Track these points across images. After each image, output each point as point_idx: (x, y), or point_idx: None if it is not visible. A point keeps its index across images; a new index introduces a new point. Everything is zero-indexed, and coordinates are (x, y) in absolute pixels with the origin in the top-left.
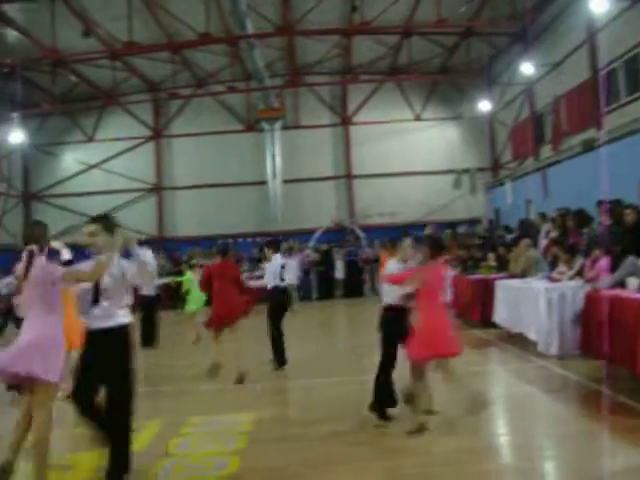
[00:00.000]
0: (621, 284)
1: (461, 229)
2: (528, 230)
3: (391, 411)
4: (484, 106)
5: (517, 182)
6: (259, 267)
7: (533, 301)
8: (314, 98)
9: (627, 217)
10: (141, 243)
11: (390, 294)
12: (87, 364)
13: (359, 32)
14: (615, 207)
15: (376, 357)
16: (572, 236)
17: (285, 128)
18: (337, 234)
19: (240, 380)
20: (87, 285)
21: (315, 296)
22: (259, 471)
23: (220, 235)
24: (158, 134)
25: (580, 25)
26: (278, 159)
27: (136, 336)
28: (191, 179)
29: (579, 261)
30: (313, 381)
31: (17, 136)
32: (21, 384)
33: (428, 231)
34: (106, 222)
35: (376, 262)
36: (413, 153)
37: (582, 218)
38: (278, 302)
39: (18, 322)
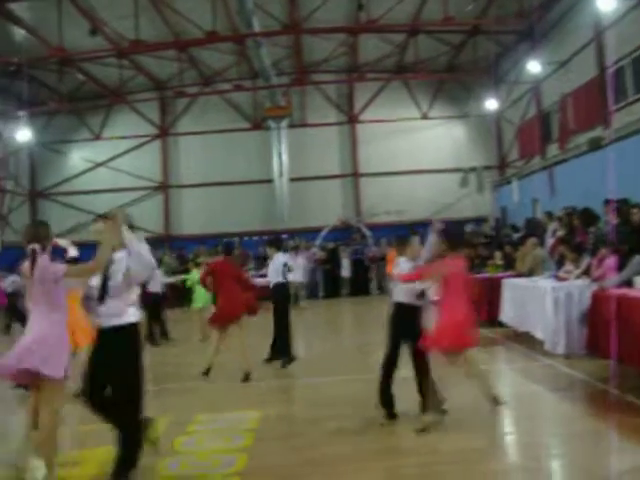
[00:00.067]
0: (628, 283)
1: (468, 227)
2: (535, 229)
3: (397, 409)
4: (491, 104)
5: (524, 181)
6: (265, 265)
7: (540, 300)
8: (321, 96)
9: (634, 216)
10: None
11: (400, 292)
12: (96, 362)
13: (366, 30)
14: (622, 206)
15: (382, 355)
16: (579, 235)
17: (292, 126)
18: (343, 232)
19: (246, 378)
20: (94, 283)
21: (321, 294)
22: (265, 469)
23: (226, 233)
24: (165, 132)
25: (587, 23)
26: (284, 157)
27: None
28: (197, 177)
29: (586, 260)
30: (319, 379)
31: (24, 134)
32: (28, 383)
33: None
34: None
35: (382, 260)
36: (420, 151)
37: (589, 217)
38: (282, 300)
39: (22, 320)
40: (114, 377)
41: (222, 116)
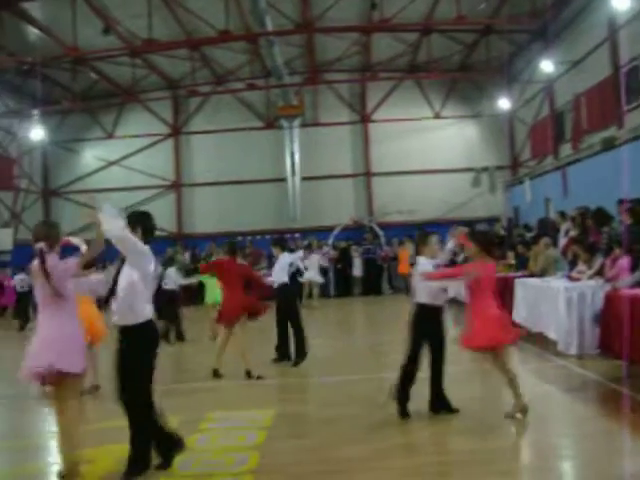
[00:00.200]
0: None
1: (480, 227)
2: (547, 229)
3: (410, 408)
4: (504, 104)
5: (536, 180)
6: None
7: (553, 300)
8: (333, 96)
9: None
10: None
11: (423, 293)
12: (114, 361)
13: (378, 29)
14: (635, 206)
15: (395, 355)
16: (592, 235)
17: (304, 125)
18: (355, 232)
19: (248, 376)
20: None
21: (333, 293)
22: (278, 467)
23: (239, 232)
24: (177, 131)
25: (601, 22)
26: (297, 156)
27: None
28: (210, 176)
29: (599, 260)
30: (332, 378)
31: (38, 133)
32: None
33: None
34: (131, 220)
35: (394, 260)
36: (432, 151)
37: (602, 217)
38: (285, 300)
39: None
40: (120, 376)
41: (234, 115)
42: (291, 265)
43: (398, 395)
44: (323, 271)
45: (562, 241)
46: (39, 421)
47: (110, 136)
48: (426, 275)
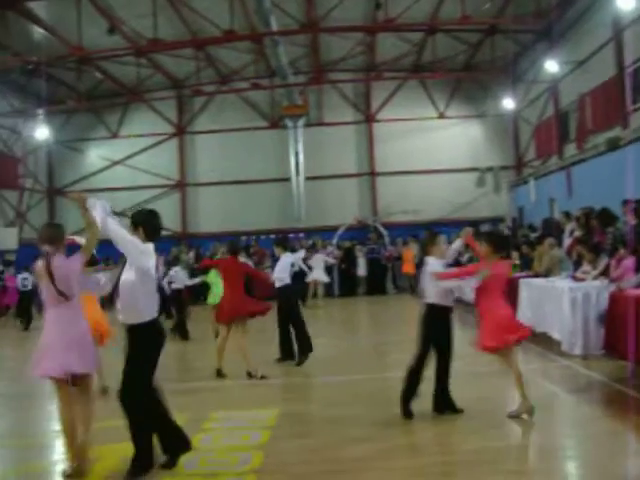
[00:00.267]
0: None
1: (484, 227)
2: (552, 229)
3: (415, 408)
4: (508, 104)
5: (541, 180)
6: None
7: (557, 300)
8: (338, 95)
9: None
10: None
11: (433, 293)
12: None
13: (383, 29)
14: None
15: (399, 355)
16: (597, 235)
17: (308, 125)
18: (360, 232)
19: (249, 377)
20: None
21: (337, 293)
22: (282, 467)
23: (243, 232)
24: (182, 130)
25: (606, 22)
26: (301, 156)
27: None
28: (214, 175)
29: (604, 260)
30: (336, 378)
31: (43, 132)
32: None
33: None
34: (134, 219)
35: (399, 260)
36: (436, 151)
37: (607, 217)
38: (286, 301)
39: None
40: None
41: (239, 115)
42: (293, 265)
43: (404, 394)
44: (328, 270)
45: (567, 241)
46: (43, 420)
47: (115, 135)
48: (439, 275)
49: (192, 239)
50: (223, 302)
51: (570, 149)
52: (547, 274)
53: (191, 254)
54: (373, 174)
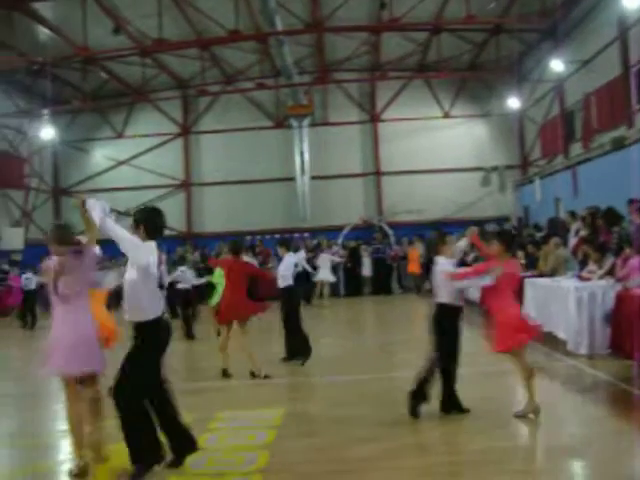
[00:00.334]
0: None
1: (489, 227)
2: (557, 228)
3: (421, 408)
4: (513, 103)
5: (546, 180)
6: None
7: (563, 300)
8: (343, 95)
9: None
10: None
11: (444, 293)
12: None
13: (388, 29)
14: None
15: (405, 355)
16: (602, 235)
17: (313, 125)
18: (365, 231)
19: (252, 377)
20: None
21: (343, 293)
22: (287, 466)
23: (248, 232)
24: (187, 130)
25: (611, 22)
26: (306, 156)
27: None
28: (219, 175)
29: (609, 260)
30: (342, 378)
31: (48, 132)
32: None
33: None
34: (135, 217)
35: (404, 259)
36: (441, 150)
37: (612, 217)
38: (289, 302)
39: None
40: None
41: (244, 114)
42: (296, 265)
43: (415, 392)
44: (334, 269)
45: (572, 241)
46: (49, 420)
47: (120, 136)
48: (451, 275)
49: (197, 239)
50: (221, 302)
51: (576, 148)
52: (553, 274)
53: (196, 254)
54: (378, 174)
